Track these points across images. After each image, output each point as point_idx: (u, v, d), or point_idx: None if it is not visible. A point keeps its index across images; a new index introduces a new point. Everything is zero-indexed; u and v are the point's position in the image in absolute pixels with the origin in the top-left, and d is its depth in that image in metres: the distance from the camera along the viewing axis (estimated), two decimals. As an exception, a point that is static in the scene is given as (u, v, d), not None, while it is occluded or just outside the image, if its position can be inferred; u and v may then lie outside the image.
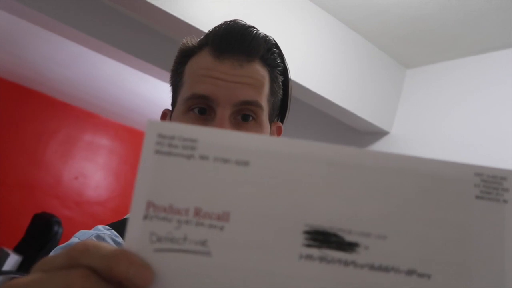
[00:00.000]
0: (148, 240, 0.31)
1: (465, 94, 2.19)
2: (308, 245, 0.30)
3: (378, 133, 2.48)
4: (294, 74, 2.05)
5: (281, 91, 0.73)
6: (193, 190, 0.32)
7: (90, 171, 4.81)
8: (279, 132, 0.75)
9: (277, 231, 0.31)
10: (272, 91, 0.69)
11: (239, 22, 0.69)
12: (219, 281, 0.30)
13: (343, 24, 2.22)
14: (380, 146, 2.46)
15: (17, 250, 3.35)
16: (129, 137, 5.03)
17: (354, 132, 2.56)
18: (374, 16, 2.09)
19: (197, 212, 0.31)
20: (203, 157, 0.32)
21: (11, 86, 4.42)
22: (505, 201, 0.31)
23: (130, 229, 0.31)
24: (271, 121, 0.71)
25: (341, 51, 2.23)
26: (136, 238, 0.31)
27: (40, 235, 3.34)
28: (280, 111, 0.75)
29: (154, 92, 3.65)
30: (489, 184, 0.31)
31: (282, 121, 0.77)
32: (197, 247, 0.31)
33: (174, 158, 0.32)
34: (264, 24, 1.90)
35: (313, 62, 2.12)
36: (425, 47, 2.25)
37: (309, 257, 0.30)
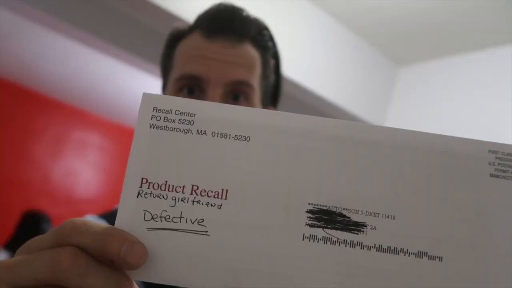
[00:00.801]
0: (142, 218, 0.29)
1: (459, 92, 2.19)
2: (312, 225, 0.29)
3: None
4: (285, 69, 2.03)
5: (273, 76, 0.71)
6: (190, 167, 0.30)
7: (80, 169, 4.75)
8: None
9: (279, 210, 0.29)
10: (264, 74, 0.68)
11: (228, 3, 0.68)
12: (217, 261, 0.28)
13: (335, 21, 2.21)
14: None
15: (8, 247, 3.31)
16: (120, 135, 4.98)
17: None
18: (367, 13, 2.08)
19: (194, 190, 0.29)
20: (200, 132, 0.30)
21: None
22: None
23: (122, 206, 0.29)
24: (263, 106, 0.69)
25: (333, 48, 2.22)
26: (129, 216, 0.29)
27: (30, 232, 3.30)
28: (272, 96, 0.74)
29: (147, 89, 3.60)
30: (504, 161, 0.29)
31: (275, 107, 0.76)
32: (193, 226, 0.29)
33: (170, 133, 0.30)
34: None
35: (305, 58, 2.10)
36: (419, 44, 2.24)
37: (313, 237, 0.28)
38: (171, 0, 1.69)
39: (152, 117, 0.30)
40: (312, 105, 2.32)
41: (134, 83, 3.60)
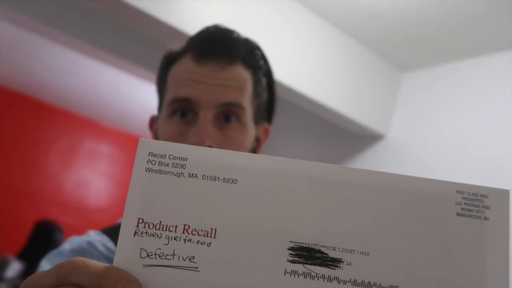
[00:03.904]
0: (138, 255, 0.32)
1: (463, 97, 2.18)
2: (293, 261, 0.31)
3: (374, 137, 2.48)
4: (288, 78, 2.06)
5: (265, 93, 0.73)
6: (182, 207, 0.33)
7: (91, 179, 4.81)
8: (265, 135, 0.75)
9: (263, 247, 0.32)
10: (256, 93, 0.70)
11: (219, 26, 0.70)
12: None
13: (338, 29, 2.23)
14: (377, 150, 2.47)
15: (21, 257, 3.36)
16: (129, 144, 5.04)
17: (352, 136, 2.57)
18: (370, 21, 2.10)
19: (186, 229, 0.32)
20: (192, 175, 0.33)
21: (11, 94, 4.44)
22: (486, 218, 0.31)
23: (120, 245, 0.32)
24: (256, 123, 0.71)
25: (336, 56, 2.24)
26: (126, 254, 0.32)
27: (42, 242, 3.35)
28: (267, 112, 0.76)
29: (154, 99, 3.65)
30: (470, 201, 0.32)
31: (270, 121, 0.77)
32: (185, 263, 0.31)
33: (164, 176, 0.33)
34: (258, 30, 1.92)
35: (308, 67, 2.12)
36: (422, 50, 2.25)
37: (294, 272, 0.31)
38: (173, 15, 1.74)
39: (148, 162, 0.33)
40: (316, 114, 2.34)
41: (141, 93, 3.66)
